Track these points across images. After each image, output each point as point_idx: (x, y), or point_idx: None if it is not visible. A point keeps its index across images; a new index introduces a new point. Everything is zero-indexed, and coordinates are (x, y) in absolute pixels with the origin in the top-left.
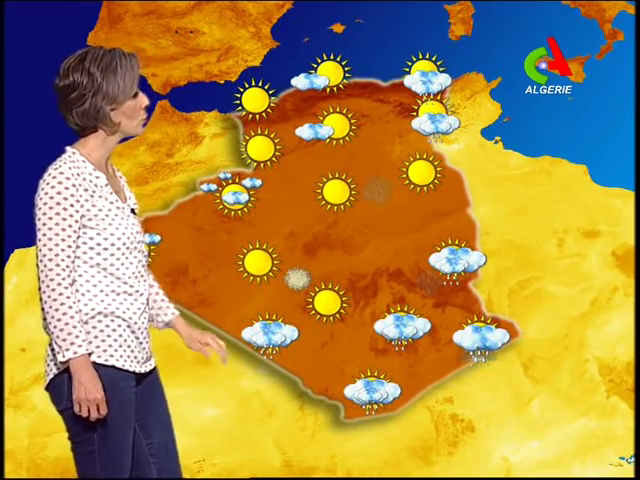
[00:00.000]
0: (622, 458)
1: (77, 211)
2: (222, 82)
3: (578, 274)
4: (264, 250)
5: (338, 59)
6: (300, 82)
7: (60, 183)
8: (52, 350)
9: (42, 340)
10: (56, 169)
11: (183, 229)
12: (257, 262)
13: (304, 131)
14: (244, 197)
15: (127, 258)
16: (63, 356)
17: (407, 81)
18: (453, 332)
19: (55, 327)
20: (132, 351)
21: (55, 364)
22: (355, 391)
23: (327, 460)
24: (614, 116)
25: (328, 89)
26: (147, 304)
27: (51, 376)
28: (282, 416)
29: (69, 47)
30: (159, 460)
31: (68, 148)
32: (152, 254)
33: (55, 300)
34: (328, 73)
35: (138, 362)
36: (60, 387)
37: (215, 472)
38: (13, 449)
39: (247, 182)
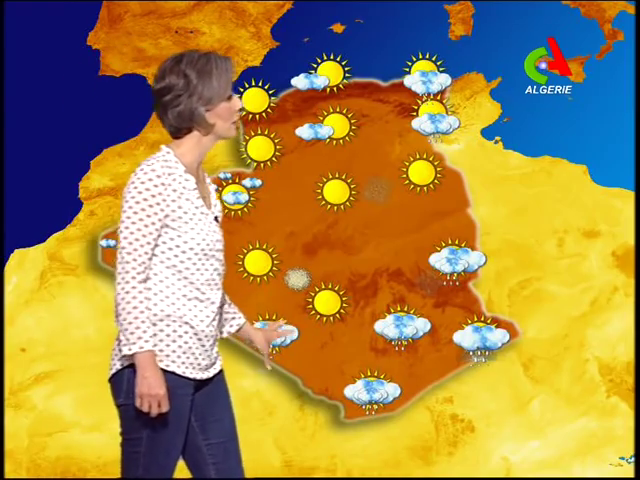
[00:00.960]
0: (622, 458)
1: (162, 210)
2: None
3: (578, 274)
4: (264, 250)
5: (338, 59)
6: (300, 82)
7: (150, 180)
8: (118, 343)
9: (42, 340)
10: (149, 165)
11: None
12: (257, 262)
13: (304, 131)
14: (244, 197)
15: (203, 264)
16: (130, 349)
17: (407, 81)
18: (453, 332)
19: (124, 320)
20: (196, 358)
21: (119, 359)
22: (355, 391)
23: (327, 460)
24: (614, 116)
25: (328, 89)
26: (218, 313)
27: (114, 370)
28: (282, 416)
29: (69, 47)
30: (218, 460)
31: (163, 147)
32: None
33: (127, 293)
34: (328, 73)
35: (201, 369)
36: (120, 382)
37: None
38: (13, 449)
39: (247, 182)
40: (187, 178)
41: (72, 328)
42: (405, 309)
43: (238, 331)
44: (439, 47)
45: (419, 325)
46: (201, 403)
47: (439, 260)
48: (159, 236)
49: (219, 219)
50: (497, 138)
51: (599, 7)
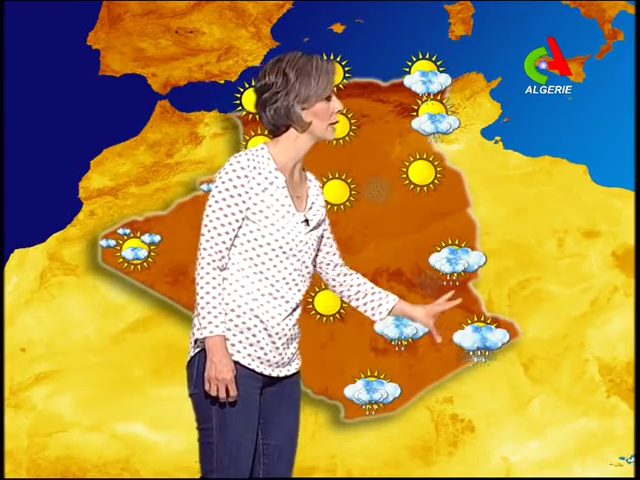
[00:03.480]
0: (622, 458)
1: (244, 202)
2: (222, 82)
3: (578, 274)
4: None
5: (338, 59)
6: None
7: (234, 171)
8: (193, 328)
9: (42, 340)
10: (236, 158)
11: (183, 229)
12: None
13: None
14: None
15: (282, 262)
16: (201, 334)
17: (407, 81)
18: (453, 332)
19: (198, 304)
20: (265, 354)
21: (193, 346)
22: (355, 391)
23: (327, 460)
24: (614, 116)
25: None
26: (296, 311)
27: (188, 358)
28: None
29: (69, 47)
30: (269, 462)
31: (261, 143)
32: (152, 254)
33: (202, 278)
34: None
35: (270, 365)
36: (191, 370)
37: None
38: (13, 449)
39: None
40: (277, 175)
41: (72, 328)
42: None
43: (390, 313)
44: (439, 47)
45: (419, 325)
46: (268, 402)
47: (439, 260)
48: (240, 227)
49: (311, 223)
50: (497, 138)
51: (599, 7)
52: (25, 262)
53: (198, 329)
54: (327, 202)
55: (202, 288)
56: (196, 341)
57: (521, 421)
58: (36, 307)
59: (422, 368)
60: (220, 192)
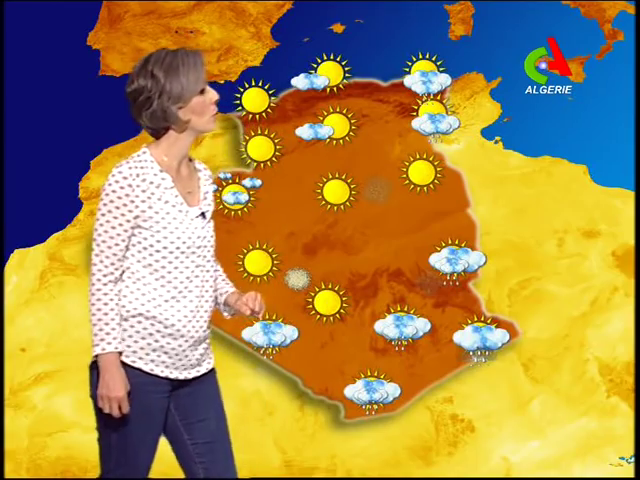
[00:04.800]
0: (622, 458)
1: (130, 211)
2: (222, 82)
3: (578, 274)
4: (264, 250)
5: (338, 59)
6: (300, 82)
7: (117, 182)
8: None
9: (42, 340)
10: (117, 168)
11: None
12: (257, 262)
13: (304, 131)
14: (244, 197)
15: (182, 262)
16: (94, 351)
17: (407, 81)
18: (453, 332)
19: (91, 321)
20: (169, 357)
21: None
22: (355, 391)
23: (327, 460)
24: (614, 116)
25: (328, 89)
26: (203, 309)
27: (90, 362)
28: (282, 416)
29: (69, 47)
30: (205, 460)
31: (143, 146)
32: None
33: (94, 294)
34: (328, 73)
35: (176, 368)
36: (92, 372)
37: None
38: (13, 449)
39: (247, 182)
40: (163, 177)
41: (72, 328)
42: (405, 309)
43: (226, 305)
44: (439, 47)
45: (419, 325)
46: (185, 403)
47: (439, 260)
48: (132, 236)
49: (207, 214)
50: (497, 138)
51: (599, 7)
52: (25, 262)
53: (92, 346)
54: (327, 202)
55: (93, 305)
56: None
57: (521, 421)
58: (36, 307)
59: (422, 368)
60: (105, 205)
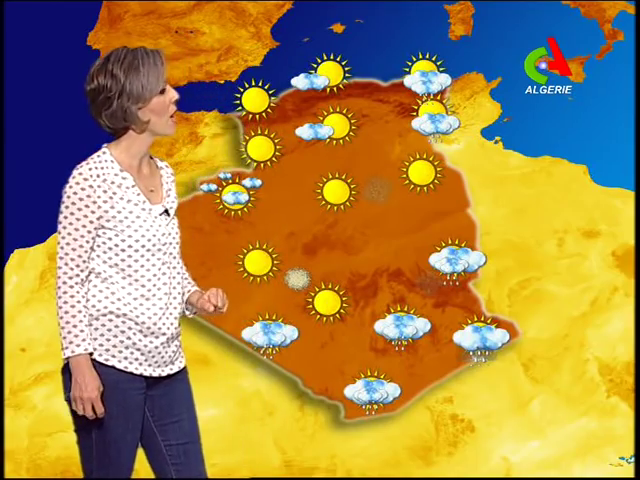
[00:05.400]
0: (622, 458)
1: (93, 212)
2: (222, 82)
3: (578, 274)
4: (264, 250)
5: (338, 59)
6: (300, 82)
7: (77, 183)
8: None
9: (42, 340)
10: (77, 170)
11: (183, 229)
12: (257, 262)
13: (304, 131)
14: (244, 197)
15: (148, 260)
16: (64, 354)
17: (407, 81)
18: (453, 332)
19: (59, 324)
20: (142, 354)
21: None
22: (355, 391)
23: (327, 460)
24: (614, 116)
25: (328, 89)
26: (172, 306)
27: (62, 365)
28: (282, 416)
29: (69, 47)
30: (178, 462)
31: (103, 146)
32: None
33: (60, 297)
34: (328, 73)
35: (150, 365)
36: (65, 378)
37: (215, 472)
38: (13, 449)
39: (247, 182)
40: (124, 176)
41: None
42: (405, 309)
43: (188, 304)
44: (439, 47)
45: (419, 325)
46: (159, 404)
47: (439, 260)
48: (96, 237)
49: (171, 212)
50: (497, 138)
51: (599, 7)
52: (25, 262)
53: (61, 349)
54: (327, 202)
55: (61, 308)
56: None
57: (521, 421)
58: (36, 307)
59: (422, 368)
60: (67, 207)
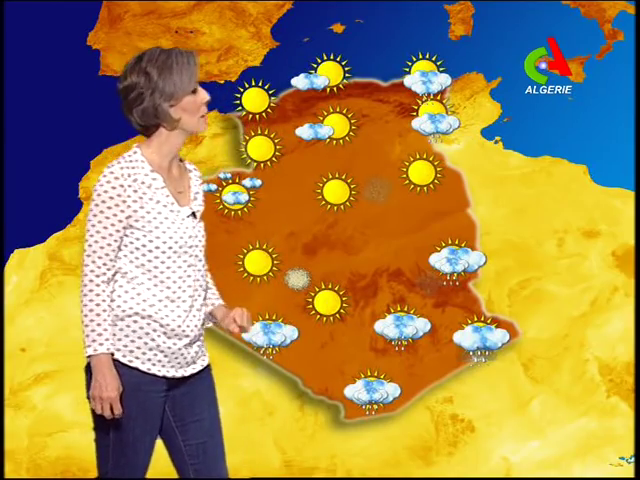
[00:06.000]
0: (622, 458)
1: (122, 211)
2: (222, 82)
3: (578, 274)
4: (264, 250)
5: (338, 59)
6: (300, 82)
7: (109, 182)
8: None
9: (42, 340)
10: (109, 169)
11: None
12: (257, 262)
13: (304, 131)
14: (244, 197)
15: (174, 262)
16: (86, 352)
17: (407, 81)
18: (453, 332)
19: (83, 322)
20: (165, 356)
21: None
22: (355, 391)
23: (327, 460)
24: (614, 116)
25: (328, 89)
26: (195, 308)
27: (85, 364)
28: (282, 416)
29: (69, 47)
30: (197, 461)
31: (134, 146)
32: None
33: (85, 295)
34: (328, 73)
35: (172, 366)
36: (87, 374)
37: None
38: (13, 449)
39: (247, 182)
40: (154, 177)
41: (72, 328)
42: (405, 309)
43: (212, 312)
44: (439, 47)
45: (419, 325)
46: (181, 403)
47: (439, 260)
48: (123, 237)
49: (198, 214)
50: (497, 138)
51: (599, 7)
52: (25, 262)
53: (84, 347)
54: (327, 202)
55: (85, 305)
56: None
57: (521, 421)
58: (36, 307)
59: (422, 368)
60: (97, 205)
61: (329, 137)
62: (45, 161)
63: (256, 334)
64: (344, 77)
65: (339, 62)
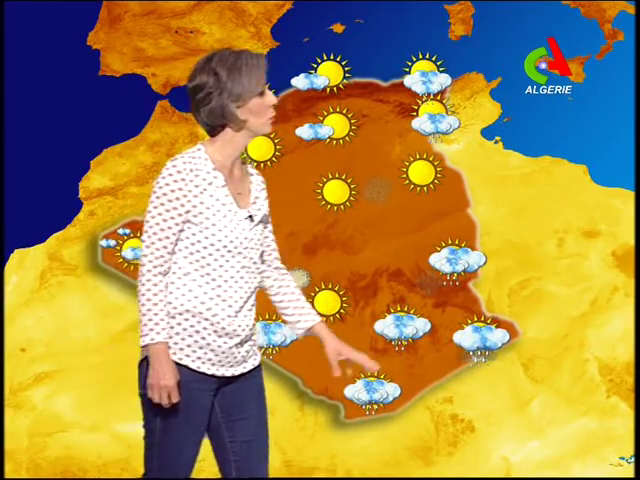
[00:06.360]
0: (622, 458)
1: (182, 205)
2: None
3: (578, 274)
4: None
5: (338, 59)
6: (300, 82)
7: (171, 175)
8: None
9: (42, 340)
10: (172, 162)
11: None
12: None
13: (304, 131)
14: None
15: (228, 261)
16: (143, 341)
17: (407, 81)
18: (453, 332)
19: (140, 311)
20: (216, 354)
21: (143, 347)
22: (355, 391)
23: (327, 460)
24: (614, 116)
25: (328, 89)
26: (246, 308)
27: (139, 360)
28: (282, 416)
29: (69, 47)
30: (239, 459)
31: (199, 143)
32: None
33: (143, 285)
34: (328, 73)
35: (222, 365)
36: (140, 372)
37: (215, 472)
38: (13, 449)
39: None
40: (215, 175)
41: (72, 328)
42: (405, 309)
43: (307, 333)
44: (439, 47)
45: (419, 325)
46: (229, 400)
47: (439, 260)
48: (181, 231)
49: (255, 218)
50: (497, 138)
51: (599, 7)
52: (25, 262)
53: (141, 336)
54: (327, 202)
55: (143, 295)
56: (144, 346)
57: (521, 421)
58: (36, 307)
59: (422, 368)
60: (158, 197)
61: (329, 137)
62: (45, 161)
63: (256, 334)
64: (344, 77)
65: (339, 62)
